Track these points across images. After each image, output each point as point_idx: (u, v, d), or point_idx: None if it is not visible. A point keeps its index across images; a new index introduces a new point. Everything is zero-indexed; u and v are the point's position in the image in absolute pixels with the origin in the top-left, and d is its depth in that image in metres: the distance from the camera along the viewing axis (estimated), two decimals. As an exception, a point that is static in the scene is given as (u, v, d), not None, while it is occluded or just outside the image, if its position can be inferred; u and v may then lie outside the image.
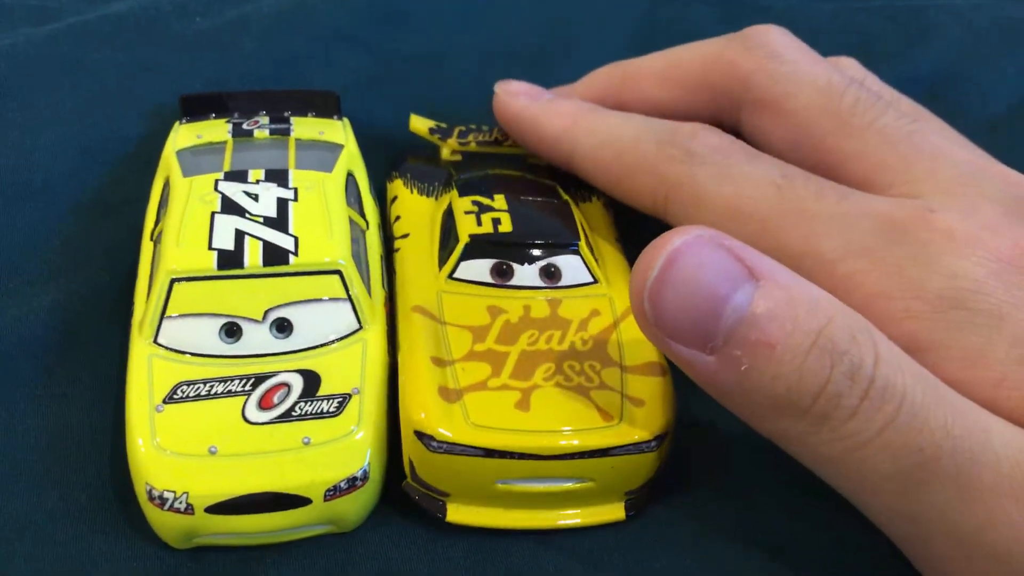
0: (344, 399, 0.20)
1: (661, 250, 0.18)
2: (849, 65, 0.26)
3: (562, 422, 0.20)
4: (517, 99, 0.26)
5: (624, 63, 0.27)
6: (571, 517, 0.21)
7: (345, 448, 0.20)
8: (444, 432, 0.20)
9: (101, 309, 0.24)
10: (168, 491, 0.19)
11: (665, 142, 0.23)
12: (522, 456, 0.20)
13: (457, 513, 0.21)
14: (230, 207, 0.22)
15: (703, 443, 0.23)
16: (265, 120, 0.26)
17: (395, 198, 0.26)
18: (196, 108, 0.26)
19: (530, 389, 0.21)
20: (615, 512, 0.21)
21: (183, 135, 0.25)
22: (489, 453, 0.20)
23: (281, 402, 0.20)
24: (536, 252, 0.23)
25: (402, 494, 0.21)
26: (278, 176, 0.23)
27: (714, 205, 0.22)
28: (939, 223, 0.20)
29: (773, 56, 0.24)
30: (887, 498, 0.18)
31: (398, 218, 0.25)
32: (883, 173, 0.21)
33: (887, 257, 0.19)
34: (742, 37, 0.25)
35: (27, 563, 0.20)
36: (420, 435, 0.20)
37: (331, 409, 0.20)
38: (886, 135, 0.22)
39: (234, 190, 0.23)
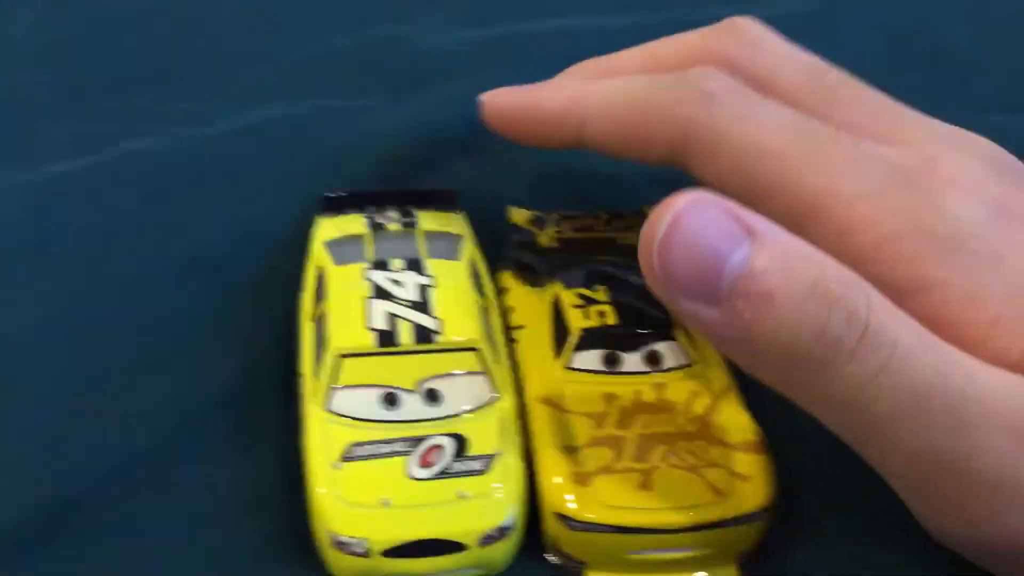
0: (489, 459, 0.23)
1: (667, 211, 0.19)
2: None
3: (680, 500, 0.23)
4: (508, 95, 0.27)
5: (599, 59, 0.28)
6: None
7: (495, 501, 0.23)
8: (582, 514, 0.23)
9: (264, 378, 0.28)
10: (350, 537, 0.22)
11: (678, 86, 0.24)
12: (649, 531, 0.23)
13: None
14: (380, 293, 0.26)
15: (812, 498, 0.25)
16: (395, 215, 0.30)
17: (506, 290, 0.29)
18: (335, 205, 0.30)
19: (650, 470, 0.24)
20: (730, 573, 0.24)
21: (325, 228, 0.29)
22: (621, 530, 0.23)
23: (438, 462, 0.23)
24: (639, 341, 0.27)
25: (545, 558, 0.24)
26: (416, 264, 0.27)
27: (735, 145, 0.23)
28: (941, 171, 0.21)
29: (756, 42, 0.25)
30: (886, 436, 0.19)
31: (512, 309, 0.28)
32: (876, 135, 0.23)
33: (901, 200, 0.21)
34: (723, 28, 0.26)
35: None
36: (560, 516, 0.23)
37: (479, 468, 0.23)
38: (873, 105, 0.24)
39: (381, 278, 0.26)
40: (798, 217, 0.22)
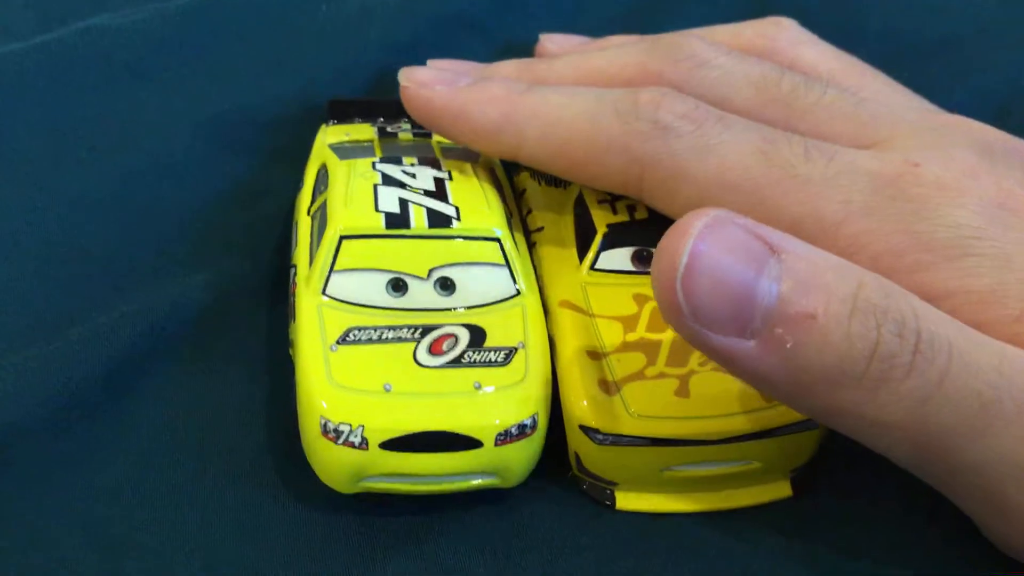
0: (511, 352, 0.21)
1: (684, 237, 0.17)
2: (788, 26, 0.26)
3: (724, 406, 0.21)
4: (433, 90, 0.24)
5: (532, 64, 0.26)
6: (738, 497, 0.22)
7: (516, 395, 0.20)
8: (609, 425, 0.21)
9: (249, 292, 0.25)
10: (344, 424, 0.19)
11: (627, 115, 0.22)
12: (687, 443, 0.21)
13: (626, 500, 0.22)
14: (391, 181, 0.23)
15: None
16: (407, 126, 0.27)
17: (524, 191, 0.27)
18: (342, 112, 0.28)
19: (687, 375, 0.21)
20: (782, 490, 0.22)
21: (332, 134, 0.27)
22: (654, 442, 0.21)
23: (450, 350, 0.21)
24: None
25: (569, 479, 0.22)
26: (431, 161, 0.24)
27: (698, 179, 0.21)
28: (927, 176, 0.20)
29: (701, 64, 0.24)
30: (952, 454, 0.18)
31: (529, 211, 0.26)
32: (846, 140, 0.22)
33: (890, 215, 0.20)
34: (664, 46, 0.24)
35: (201, 528, 0.21)
36: (585, 429, 0.21)
37: (499, 359, 0.21)
38: (835, 109, 0.22)
39: (392, 169, 0.24)
40: None
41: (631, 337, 0.22)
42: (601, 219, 0.24)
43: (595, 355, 0.22)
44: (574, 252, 0.24)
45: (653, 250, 0.23)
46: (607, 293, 0.23)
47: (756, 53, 0.25)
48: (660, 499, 0.22)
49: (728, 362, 0.18)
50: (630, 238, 0.24)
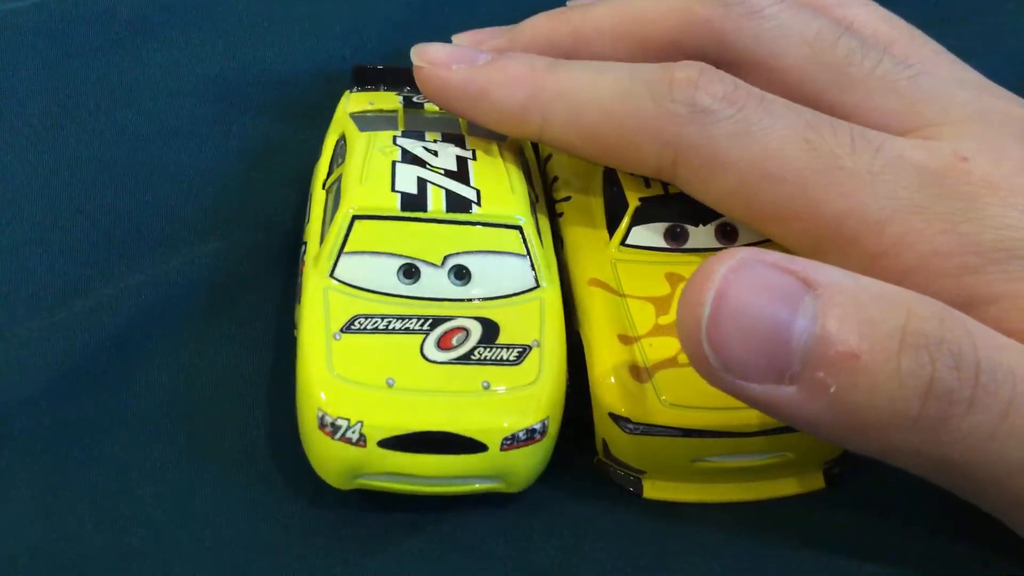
0: (524, 350, 0.21)
1: (707, 283, 0.17)
2: None
3: None
4: (449, 70, 0.23)
5: (570, 12, 0.25)
6: (770, 488, 0.22)
7: (526, 398, 0.20)
8: (640, 414, 0.21)
9: (261, 262, 0.25)
10: (342, 419, 0.19)
11: (662, 96, 0.21)
12: (721, 434, 0.21)
13: (654, 490, 0.22)
14: (411, 158, 0.23)
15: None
16: None
17: (549, 156, 0.27)
18: (367, 79, 0.28)
19: None
20: (815, 482, 0.22)
21: (355, 101, 0.27)
22: (686, 433, 0.21)
23: (460, 344, 0.21)
24: (710, 211, 0.23)
25: (595, 465, 0.22)
26: (455, 138, 0.24)
27: (737, 167, 0.21)
28: (975, 172, 0.20)
29: (753, 12, 0.23)
30: (1020, 487, 0.17)
31: (556, 179, 0.26)
32: (894, 121, 0.21)
33: (937, 214, 0.20)
34: None
35: (211, 504, 0.21)
36: (615, 417, 0.21)
37: (511, 358, 0.21)
38: (888, 83, 0.22)
39: (413, 145, 0.24)
40: (816, 241, 0.20)
41: (664, 320, 0.22)
42: (633, 192, 0.24)
43: (626, 339, 0.22)
44: (603, 226, 0.24)
45: (688, 226, 0.23)
46: (638, 271, 0.23)
47: None
48: (689, 489, 0.22)
49: (768, 409, 0.18)
50: (663, 213, 0.23)
